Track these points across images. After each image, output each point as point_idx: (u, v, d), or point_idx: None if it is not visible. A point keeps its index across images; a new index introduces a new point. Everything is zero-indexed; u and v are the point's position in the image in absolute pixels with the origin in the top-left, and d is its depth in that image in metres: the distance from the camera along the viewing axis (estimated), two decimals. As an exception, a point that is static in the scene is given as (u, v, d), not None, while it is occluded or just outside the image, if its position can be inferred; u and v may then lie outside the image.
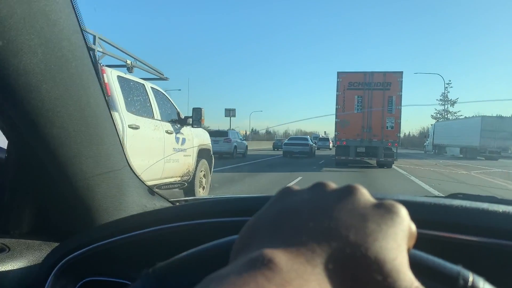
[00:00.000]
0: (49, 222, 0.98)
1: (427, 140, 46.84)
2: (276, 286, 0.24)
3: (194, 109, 7.14)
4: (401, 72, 17.38)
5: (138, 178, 1.09)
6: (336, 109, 17.85)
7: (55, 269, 0.82)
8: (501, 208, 0.67)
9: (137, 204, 1.05)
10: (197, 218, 0.84)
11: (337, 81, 17.76)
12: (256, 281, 0.24)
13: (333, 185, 0.36)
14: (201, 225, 0.83)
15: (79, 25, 0.73)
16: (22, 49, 0.61)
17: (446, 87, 66.03)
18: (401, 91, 17.29)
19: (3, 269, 0.81)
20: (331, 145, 48.73)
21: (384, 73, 17.53)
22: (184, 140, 7.26)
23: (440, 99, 68.13)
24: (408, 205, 0.37)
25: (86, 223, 0.95)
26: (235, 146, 22.54)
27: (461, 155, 33.95)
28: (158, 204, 1.15)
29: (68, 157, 0.80)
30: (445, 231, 0.64)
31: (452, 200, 0.70)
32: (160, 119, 6.59)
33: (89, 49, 0.77)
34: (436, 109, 69.78)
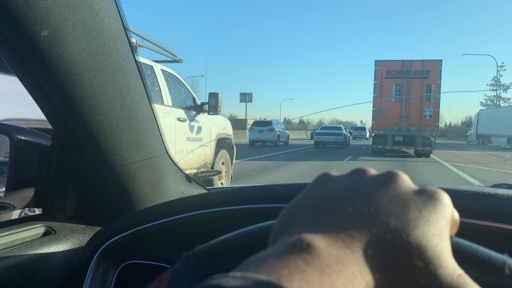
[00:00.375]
0: (92, 207, 1.01)
1: (470, 129, 43.88)
2: (315, 269, 0.25)
3: (210, 94, 6.44)
4: (441, 60, 17.10)
5: (176, 165, 1.11)
6: (374, 97, 17.73)
7: (98, 252, 0.85)
8: None
9: (175, 190, 1.07)
10: (233, 204, 0.85)
11: (375, 70, 17.59)
12: (296, 264, 0.25)
13: (373, 171, 0.36)
14: (238, 211, 0.84)
15: (119, 14, 0.74)
16: (66, 38, 0.63)
17: (498, 70, 61.83)
18: (440, 80, 17.04)
19: (49, 251, 0.85)
20: (367, 135, 47.01)
21: (423, 61, 17.21)
22: (199, 128, 6.65)
23: (491, 84, 64.05)
24: (451, 193, 0.36)
25: (127, 208, 0.97)
26: (278, 135, 25.04)
27: (509, 146, 30.98)
28: (195, 191, 1.17)
29: (110, 144, 0.83)
30: (489, 221, 0.62)
31: (497, 189, 0.68)
32: (171, 105, 6.02)
33: (128, 37, 0.79)
34: (486, 95, 66.11)
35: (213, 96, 6.40)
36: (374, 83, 17.66)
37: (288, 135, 27.08)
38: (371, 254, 0.27)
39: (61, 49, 0.63)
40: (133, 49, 0.80)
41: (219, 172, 1.33)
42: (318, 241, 0.27)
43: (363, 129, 50.77)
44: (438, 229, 0.29)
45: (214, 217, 0.86)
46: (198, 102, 6.77)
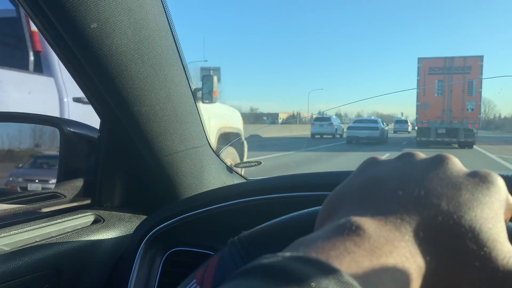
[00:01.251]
0: (138, 196, 1.04)
1: None
2: (365, 251, 0.24)
3: (203, 77, 4.88)
4: (482, 56, 17.96)
5: (218, 156, 1.13)
6: (417, 92, 18.88)
7: (145, 239, 0.88)
8: None
9: (217, 180, 1.08)
10: (276, 192, 0.85)
11: (418, 67, 18.49)
12: (345, 246, 0.24)
13: (422, 154, 0.35)
14: (281, 199, 0.84)
15: (163, 5, 0.76)
16: (114, 30, 0.65)
17: None
18: (482, 75, 17.98)
19: (99, 238, 0.88)
20: (410, 128, 44.75)
21: (465, 57, 18.20)
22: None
23: None
24: (506, 178, 0.35)
25: (172, 196, 1.00)
26: (336, 129, 26.33)
27: None
28: (236, 181, 1.18)
29: (155, 134, 0.85)
30: None
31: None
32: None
33: (172, 29, 0.80)
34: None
35: (207, 79, 4.78)
36: (418, 79, 18.57)
37: (343, 128, 27.20)
38: (422, 237, 0.27)
39: (109, 41, 0.65)
40: (176, 41, 0.82)
41: (259, 163, 1.33)
42: (368, 223, 0.26)
43: (405, 121, 45.97)
44: (492, 211, 0.28)
45: (257, 205, 0.86)
46: (193, 87, 5.61)
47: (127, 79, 0.72)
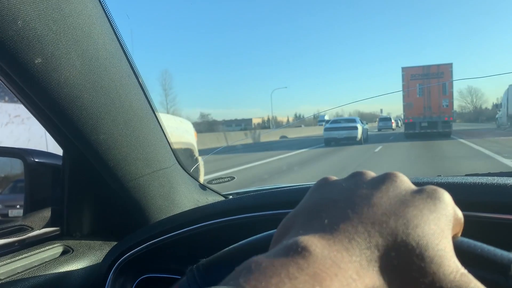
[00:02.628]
0: (107, 223, 1.02)
1: (499, 111, 36.11)
2: (308, 276, 0.24)
3: None
4: (451, 64, 23.32)
5: (189, 174, 1.12)
6: (403, 95, 23.61)
7: (114, 267, 0.86)
8: None
9: (189, 199, 1.07)
10: (249, 211, 0.85)
11: (402, 74, 23.67)
12: (287, 271, 0.24)
13: (371, 173, 0.35)
14: (254, 218, 0.84)
15: (114, 33, 0.75)
16: (61, 63, 0.64)
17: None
18: (452, 78, 23.83)
19: (68, 269, 0.86)
20: (394, 125, 44.11)
21: (438, 65, 23.59)
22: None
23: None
24: (453, 187, 0.35)
25: (142, 221, 0.98)
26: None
27: None
28: (210, 198, 1.17)
29: (117, 160, 0.83)
30: (493, 212, 0.61)
31: (500, 179, 0.66)
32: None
33: (127, 54, 0.79)
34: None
35: None
36: (402, 84, 23.62)
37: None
38: (371, 256, 0.27)
39: (56, 74, 0.64)
40: (132, 64, 0.81)
41: (232, 178, 1.33)
42: (315, 244, 0.26)
43: (389, 119, 46.54)
44: (438, 228, 0.29)
45: (229, 225, 0.86)
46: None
47: (80, 110, 0.71)
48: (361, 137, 20.63)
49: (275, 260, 0.25)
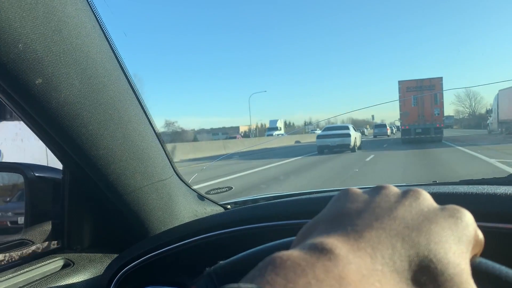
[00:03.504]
0: (107, 235, 1.03)
1: (490, 116, 35.32)
2: (335, 280, 0.24)
3: None
4: (441, 77, 26.78)
5: (187, 185, 1.13)
6: (400, 105, 27.04)
7: (115, 280, 0.87)
8: None
9: (188, 210, 1.08)
10: (247, 223, 0.86)
11: (398, 87, 26.57)
12: (314, 272, 0.24)
13: (395, 188, 0.36)
14: (253, 230, 0.85)
15: (113, 51, 0.76)
16: (60, 83, 0.65)
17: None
18: (442, 89, 26.83)
19: (69, 283, 0.87)
20: (389, 131, 44.47)
21: (430, 78, 26.64)
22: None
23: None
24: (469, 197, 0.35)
25: (142, 233, 0.99)
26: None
27: None
28: (208, 209, 1.18)
29: (116, 174, 0.85)
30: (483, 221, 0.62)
31: (471, 187, 0.68)
32: None
33: (124, 70, 0.81)
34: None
35: None
36: (399, 95, 26.36)
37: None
38: (393, 267, 0.27)
39: (56, 94, 0.66)
40: (130, 81, 0.83)
41: (230, 188, 1.35)
42: (339, 246, 0.27)
43: (384, 126, 46.35)
44: (458, 248, 0.29)
45: (228, 237, 0.87)
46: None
47: (80, 127, 0.73)
48: (354, 145, 20.21)
49: (301, 259, 0.25)
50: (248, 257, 0.53)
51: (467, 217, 0.32)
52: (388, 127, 46.20)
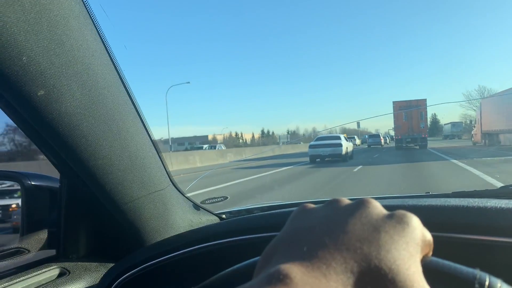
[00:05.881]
0: (104, 244, 1.04)
1: (474, 127, 34.14)
2: None
3: None
4: (425, 99, 34.46)
5: (183, 195, 1.14)
6: (394, 120, 34.91)
7: None
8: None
9: (183, 220, 1.09)
10: (242, 234, 0.87)
11: (393, 106, 34.38)
12: None
13: (346, 200, 0.38)
14: (247, 240, 0.86)
15: (113, 63, 0.78)
16: (62, 95, 0.66)
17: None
18: (426, 108, 37.87)
19: None
20: (382, 141, 46.66)
21: (417, 100, 34.99)
22: None
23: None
24: (422, 209, 0.37)
25: (139, 242, 1.00)
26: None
27: None
28: (204, 218, 1.18)
29: (113, 184, 0.85)
30: (463, 233, 0.64)
31: (465, 200, 0.70)
32: None
33: (124, 82, 0.82)
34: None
35: None
36: (393, 113, 34.73)
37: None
38: (347, 281, 0.29)
39: (58, 105, 0.67)
40: (130, 93, 0.84)
41: (226, 198, 1.36)
42: (295, 271, 0.28)
43: (377, 136, 47.72)
44: (407, 252, 0.31)
45: (222, 248, 0.88)
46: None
47: (79, 138, 0.74)
48: (345, 154, 20.47)
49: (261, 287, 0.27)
50: (216, 282, 0.54)
51: (414, 221, 0.34)
52: (382, 137, 46.89)
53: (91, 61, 0.71)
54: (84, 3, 0.69)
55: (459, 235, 0.64)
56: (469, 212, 0.67)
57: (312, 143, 21.50)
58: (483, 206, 0.67)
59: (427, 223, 0.37)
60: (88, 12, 0.70)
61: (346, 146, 20.90)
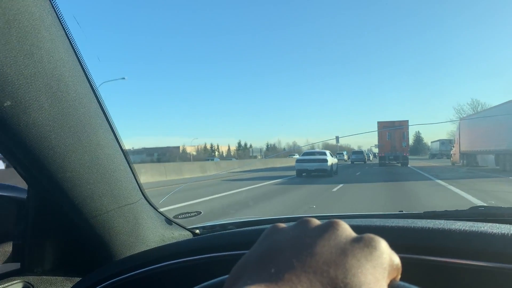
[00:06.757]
0: (70, 259, 1.01)
1: (453, 147, 34.17)
2: None
3: None
4: (407, 120, 37.39)
5: (155, 209, 1.12)
6: (378, 139, 37.19)
7: None
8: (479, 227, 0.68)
9: (155, 235, 1.08)
10: (214, 251, 0.86)
11: (377, 126, 36.68)
12: None
13: (316, 221, 0.37)
14: (219, 258, 0.85)
15: (85, 74, 0.77)
16: (30, 106, 0.65)
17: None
18: (408, 129, 40.30)
19: None
20: (366, 158, 49.06)
21: (400, 121, 37.41)
22: None
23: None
24: (390, 231, 0.38)
25: (107, 257, 0.98)
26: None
27: (498, 167, 22.68)
28: (176, 233, 1.17)
29: (82, 197, 0.84)
30: (430, 255, 0.65)
31: (433, 222, 0.71)
32: None
33: (96, 94, 0.81)
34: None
35: None
36: (378, 132, 35.73)
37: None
38: None
39: (25, 116, 0.65)
40: (102, 104, 0.83)
41: (199, 213, 1.36)
42: None
43: (361, 152, 49.22)
44: (374, 277, 0.31)
45: (193, 265, 0.87)
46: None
47: (47, 150, 0.72)
48: (331, 169, 21.07)
49: None
50: None
51: (382, 245, 0.34)
52: (365, 154, 48.05)
53: (62, 72, 0.70)
54: (57, 14, 0.68)
55: (426, 257, 0.65)
56: (435, 234, 0.68)
57: (299, 158, 22.34)
58: (447, 229, 0.68)
59: (395, 245, 0.37)
60: (61, 23, 0.69)
61: (331, 161, 21.59)
